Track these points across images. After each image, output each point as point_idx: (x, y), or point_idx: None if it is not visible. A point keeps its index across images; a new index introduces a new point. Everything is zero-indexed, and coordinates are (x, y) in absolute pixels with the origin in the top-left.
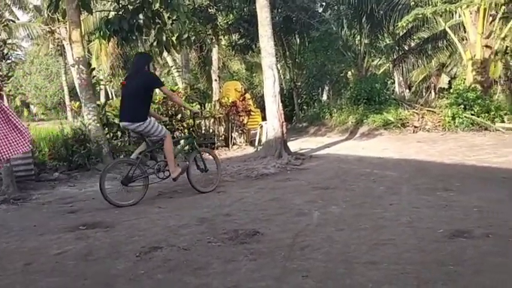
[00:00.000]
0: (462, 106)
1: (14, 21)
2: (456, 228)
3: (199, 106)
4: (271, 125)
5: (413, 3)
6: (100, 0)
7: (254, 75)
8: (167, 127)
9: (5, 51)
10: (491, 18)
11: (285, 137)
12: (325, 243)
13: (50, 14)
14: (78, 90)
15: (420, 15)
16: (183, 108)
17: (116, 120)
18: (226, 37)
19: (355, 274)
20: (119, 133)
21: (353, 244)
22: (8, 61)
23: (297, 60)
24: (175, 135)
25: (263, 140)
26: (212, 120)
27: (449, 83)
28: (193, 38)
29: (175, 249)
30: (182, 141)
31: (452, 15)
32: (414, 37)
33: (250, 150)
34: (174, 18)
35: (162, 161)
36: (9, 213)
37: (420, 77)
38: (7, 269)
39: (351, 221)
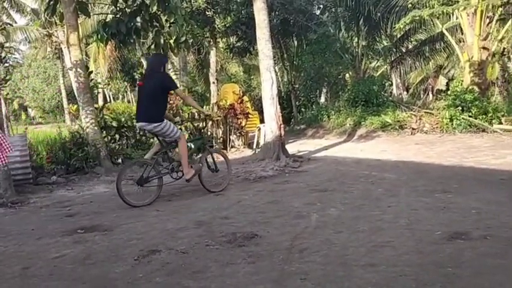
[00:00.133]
0: (460, 108)
1: (11, 25)
2: (454, 230)
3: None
4: (269, 128)
5: (410, 5)
6: (98, 4)
7: (252, 77)
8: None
9: (3, 54)
10: (488, 20)
11: (283, 140)
12: (323, 246)
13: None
14: (76, 93)
15: (417, 17)
16: (180, 111)
17: (114, 123)
18: (224, 40)
19: (353, 277)
20: (117, 136)
21: (351, 246)
22: (6, 64)
23: (294, 62)
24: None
25: (261, 142)
26: (210, 122)
27: (447, 84)
28: (191, 40)
29: (173, 253)
30: (193, 143)
31: (450, 17)
32: (412, 39)
33: (248, 152)
34: (172, 21)
35: (175, 161)
36: (7, 217)
37: (418, 79)
38: (5, 273)
39: (349, 224)
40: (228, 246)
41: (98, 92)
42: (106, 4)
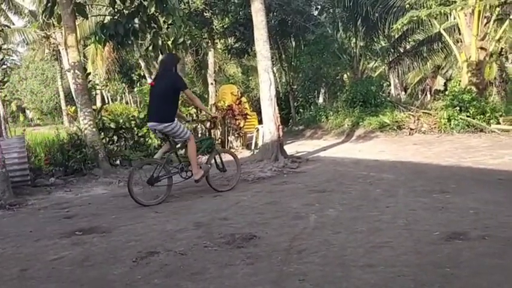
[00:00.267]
0: (458, 108)
1: (9, 27)
2: (452, 230)
3: (195, 110)
4: (268, 128)
5: (408, 5)
6: (95, 5)
7: (250, 78)
8: None
9: (1, 56)
10: (485, 20)
11: (281, 140)
12: (322, 247)
13: (45, 19)
14: (74, 95)
15: (415, 18)
16: (180, 112)
17: (112, 125)
18: (222, 41)
19: (352, 277)
20: (115, 138)
21: (350, 247)
22: (4, 66)
23: (292, 63)
24: None
25: (259, 143)
26: (208, 123)
27: (445, 85)
28: (189, 42)
29: (172, 254)
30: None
31: (447, 17)
32: (409, 39)
33: (246, 153)
34: (170, 22)
35: (185, 161)
36: (5, 219)
37: (416, 79)
38: (3, 275)
39: (347, 224)
40: (226, 247)
41: (96, 94)
42: (104, 6)
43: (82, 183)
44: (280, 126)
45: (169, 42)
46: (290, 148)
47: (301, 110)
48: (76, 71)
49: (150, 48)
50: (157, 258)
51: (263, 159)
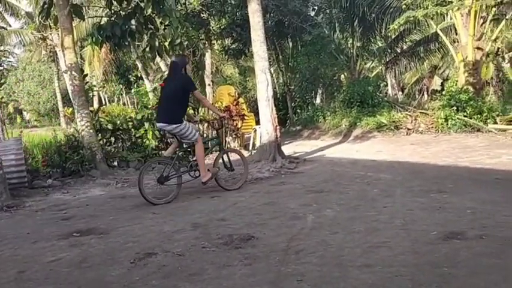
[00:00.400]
0: (455, 108)
1: (5, 28)
2: (450, 230)
3: (192, 111)
4: (265, 129)
5: (404, 6)
6: (92, 7)
7: (247, 79)
8: None
9: None
10: (482, 20)
11: (278, 141)
12: (319, 247)
13: (42, 20)
14: (71, 96)
15: (412, 18)
16: None
17: (109, 126)
18: (219, 42)
19: (349, 277)
20: (112, 139)
21: (347, 247)
22: (0, 68)
23: (289, 64)
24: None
25: (257, 144)
26: (206, 124)
27: (442, 85)
28: (186, 43)
29: (169, 255)
30: (210, 143)
31: (444, 17)
32: (406, 40)
33: (244, 154)
34: (167, 23)
35: (193, 160)
36: (2, 221)
37: (413, 79)
38: (0, 277)
39: (345, 224)
40: (224, 248)
41: (93, 95)
42: (100, 7)
43: (79, 184)
44: (278, 127)
45: (166, 44)
46: (288, 149)
47: (298, 110)
48: (73, 73)
49: (147, 49)
50: (155, 260)
51: (261, 160)
